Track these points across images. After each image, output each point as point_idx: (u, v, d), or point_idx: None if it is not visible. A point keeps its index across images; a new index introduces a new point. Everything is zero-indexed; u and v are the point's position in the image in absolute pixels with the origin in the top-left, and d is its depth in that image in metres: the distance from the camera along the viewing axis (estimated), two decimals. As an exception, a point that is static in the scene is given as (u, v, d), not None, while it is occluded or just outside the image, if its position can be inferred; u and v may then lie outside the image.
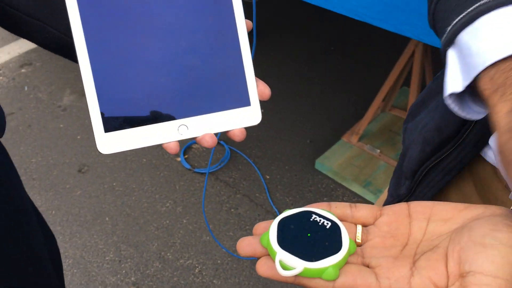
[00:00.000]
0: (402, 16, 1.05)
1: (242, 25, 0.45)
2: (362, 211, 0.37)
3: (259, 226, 0.36)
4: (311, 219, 0.35)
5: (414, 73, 1.84)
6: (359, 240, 0.36)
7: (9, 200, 0.55)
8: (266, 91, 0.45)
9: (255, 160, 2.05)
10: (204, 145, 0.43)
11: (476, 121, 0.54)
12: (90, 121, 0.41)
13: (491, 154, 0.56)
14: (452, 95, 0.42)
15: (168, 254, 1.71)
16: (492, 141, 0.53)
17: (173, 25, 0.44)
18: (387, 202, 0.75)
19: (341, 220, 0.36)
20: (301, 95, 2.40)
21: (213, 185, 1.95)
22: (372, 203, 1.82)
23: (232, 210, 1.86)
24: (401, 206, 0.37)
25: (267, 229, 0.35)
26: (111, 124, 0.42)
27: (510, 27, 0.37)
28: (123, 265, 1.68)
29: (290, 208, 0.37)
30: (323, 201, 1.84)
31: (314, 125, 2.23)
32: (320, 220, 0.35)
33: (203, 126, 0.44)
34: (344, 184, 1.95)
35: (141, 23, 0.43)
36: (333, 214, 0.36)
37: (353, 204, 0.38)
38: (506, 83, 0.36)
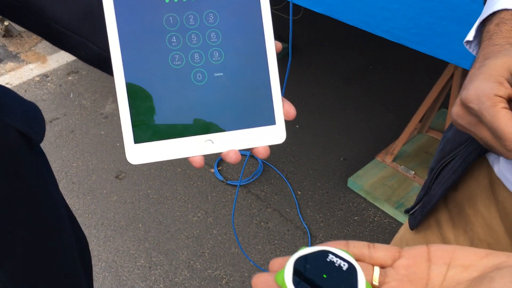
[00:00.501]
0: (438, 39, 1.04)
1: (271, 46, 0.46)
2: (380, 252, 0.36)
3: (274, 263, 0.36)
4: (328, 259, 0.34)
5: (452, 95, 1.82)
6: (376, 283, 0.35)
7: (43, 201, 0.59)
8: (292, 111, 0.46)
9: (287, 175, 2.07)
10: (228, 161, 0.44)
11: None
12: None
13: (497, 160, 0.59)
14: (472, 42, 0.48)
15: (197, 263, 1.74)
16: None
17: (205, 44, 0.46)
18: (413, 205, 0.77)
19: (358, 260, 0.36)
20: (337, 113, 2.40)
21: (245, 198, 1.97)
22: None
23: (262, 223, 1.87)
24: (421, 249, 0.36)
25: (282, 266, 0.34)
26: (141, 136, 0.44)
27: None
28: (152, 272, 1.72)
29: (307, 246, 0.37)
30: (354, 220, 1.84)
31: (348, 143, 2.23)
32: (336, 261, 0.34)
33: (228, 142, 0.45)
34: (376, 204, 1.93)
35: (175, 41, 0.45)
36: (350, 255, 0.35)
37: (371, 244, 0.37)
38: (496, 32, 0.40)
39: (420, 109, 1.92)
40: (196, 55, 0.46)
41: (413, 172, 1.97)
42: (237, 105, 0.46)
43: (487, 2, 0.53)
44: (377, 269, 0.35)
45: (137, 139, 0.45)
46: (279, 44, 0.49)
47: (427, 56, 1.56)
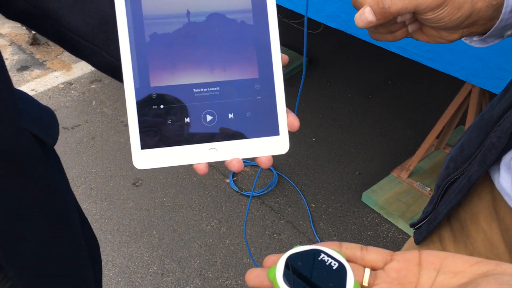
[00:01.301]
0: (450, 57, 1.05)
1: (277, 59, 0.48)
2: (373, 255, 0.37)
3: (268, 259, 0.37)
4: (319, 258, 0.35)
5: (470, 112, 1.81)
6: (365, 284, 0.36)
7: (53, 203, 0.62)
8: (295, 122, 0.47)
9: (302, 188, 2.07)
10: (231, 169, 0.46)
11: (487, 142, 0.57)
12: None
13: (498, 177, 0.59)
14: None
15: (209, 272, 1.75)
16: (502, 163, 0.56)
17: (211, 54, 0.48)
18: (419, 219, 0.78)
19: (350, 261, 0.36)
20: (354, 127, 2.41)
21: (259, 209, 1.98)
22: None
23: (275, 235, 1.88)
24: (413, 254, 0.37)
25: (275, 263, 0.35)
26: (148, 142, 0.46)
27: None
28: (165, 279, 1.74)
29: (302, 244, 0.38)
30: (367, 235, 1.83)
31: (364, 157, 2.23)
32: (327, 260, 0.35)
33: (232, 151, 0.47)
34: (390, 219, 1.92)
35: (182, 52, 0.47)
36: (342, 255, 0.36)
37: (364, 247, 0.37)
38: None
39: (437, 125, 1.91)
40: (203, 66, 0.48)
41: (429, 188, 1.95)
42: (241, 115, 0.48)
43: None
44: (367, 271, 0.36)
45: (144, 145, 0.47)
46: (286, 57, 0.50)
47: (446, 74, 1.56)
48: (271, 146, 0.48)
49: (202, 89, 0.48)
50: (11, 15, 0.55)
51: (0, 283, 0.61)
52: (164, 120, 0.47)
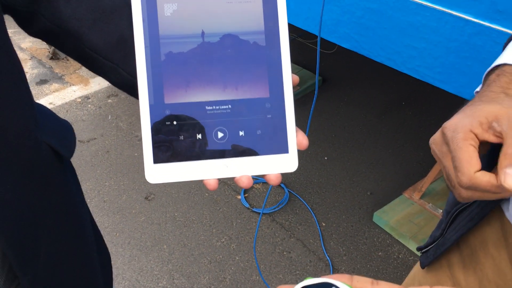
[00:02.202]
0: (462, 79, 1.06)
1: (288, 79, 0.49)
2: None
3: None
4: None
5: (483, 135, 1.80)
6: None
7: (68, 213, 0.63)
8: (304, 141, 0.48)
9: (313, 206, 2.07)
10: (240, 185, 0.47)
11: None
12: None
13: (508, 204, 0.59)
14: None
15: (218, 288, 1.75)
16: None
17: (224, 74, 0.50)
18: (426, 243, 0.77)
19: None
20: (367, 147, 2.41)
21: (269, 226, 1.98)
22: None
23: (285, 253, 1.88)
24: None
25: None
26: (160, 157, 0.48)
27: None
28: (174, 294, 1.74)
29: (312, 277, 0.39)
30: (377, 256, 1.82)
31: (376, 177, 2.22)
32: None
33: (242, 168, 0.48)
34: (401, 240, 1.90)
35: (196, 71, 0.49)
36: None
37: (375, 281, 0.36)
38: (494, 80, 0.46)
39: (450, 147, 1.90)
40: (215, 86, 0.50)
41: (441, 210, 1.94)
42: (252, 133, 0.49)
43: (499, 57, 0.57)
44: None
45: (156, 160, 0.48)
46: (296, 77, 0.52)
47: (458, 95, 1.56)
48: (280, 164, 0.49)
49: (214, 107, 0.49)
50: (33, 33, 0.57)
51: (14, 291, 0.63)
52: (176, 136, 0.48)
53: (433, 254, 0.73)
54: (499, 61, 0.55)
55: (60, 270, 0.64)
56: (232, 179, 0.48)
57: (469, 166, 0.46)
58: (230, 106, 0.49)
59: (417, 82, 2.84)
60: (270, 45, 0.50)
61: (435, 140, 0.51)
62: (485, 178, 0.45)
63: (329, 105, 2.70)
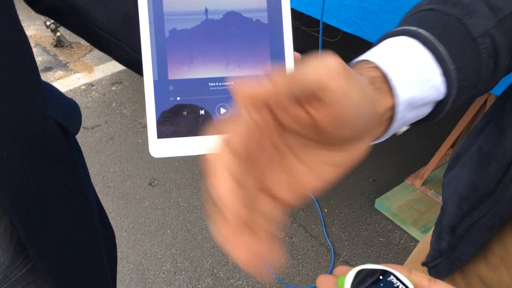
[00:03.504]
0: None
1: (290, 57, 0.50)
2: None
3: (339, 269, 0.37)
4: (388, 279, 0.35)
5: (485, 122, 1.80)
6: None
7: (74, 189, 0.65)
8: None
9: (315, 193, 2.09)
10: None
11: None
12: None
13: None
14: None
15: (220, 272, 1.78)
16: None
17: (227, 51, 0.51)
18: (429, 256, 0.75)
19: None
20: (369, 134, 2.41)
21: (271, 212, 2.00)
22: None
23: (287, 238, 1.90)
24: None
25: (345, 273, 0.36)
26: (164, 131, 0.49)
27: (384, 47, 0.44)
28: (177, 277, 1.77)
29: (370, 262, 0.38)
30: (379, 241, 1.84)
31: (378, 164, 2.23)
32: (396, 283, 0.35)
33: None
34: (402, 226, 1.92)
35: (199, 48, 0.50)
36: (411, 282, 0.36)
37: (433, 279, 0.37)
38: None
39: (451, 134, 1.91)
40: (219, 63, 0.51)
41: (443, 197, 1.95)
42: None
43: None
44: None
45: (160, 135, 0.49)
46: (298, 54, 0.53)
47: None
48: None
49: (217, 83, 0.50)
50: (41, 10, 0.58)
51: (21, 264, 0.65)
52: (180, 112, 0.49)
53: (448, 270, 0.71)
54: (359, 58, 0.50)
55: (66, 243, 0.66)
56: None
57: None
58: (232, 82, 0.50)
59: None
60: (273, 23, 0.51)
61: None
62: None
63: (332, 93, 2.71)
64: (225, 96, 0.50)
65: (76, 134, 0.65)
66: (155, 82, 0.49)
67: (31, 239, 0.59)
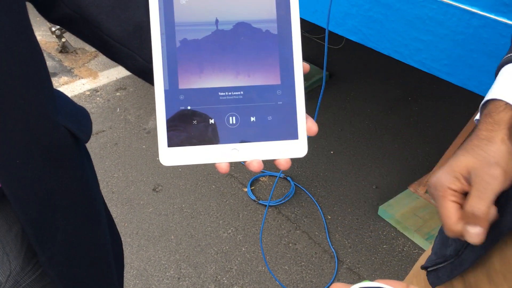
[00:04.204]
0: (468, 71, 1.07)
1: (299, 67, 0.51)
2: None
3: (335, 286, 0.37)
4: None
5: (489, 129, 1.80)
6: None
7: (83, 196, 0.66)
8: (314, 127, 0.50)
9: (318, 199, 2.09)
10: (251, 169, 0.49)
11: None
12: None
13: None
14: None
15: (224, 278, 1.78)
16: None
17: (237, 61, 0.51)
18: (431, 260, 0.75)
19: None
20: (373, 141, 2.42)
21: (275, 218, 2.00)
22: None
23: (290, 245, 1.90)
24: None
25: None
26: (174, 140, 0.49)
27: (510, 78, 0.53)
28: (181, 283, 1.77)
29: (368, 280, 0.37)
30: (382, 249, 1.84)
31: (382, 171, 2.24)
32: None
33: (252, 152, 0.50)
34: (406, 234, 1.92)
35: (210, 58, 0.51)
36: None
37: None
38: (482, 122, 0.56)
39: (455, 141, 1.91)
40: (229, 72, 0.51)
41: (446, 204, 1.95)
42: (263, 119, 0.50)
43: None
44: None
45: (170, 143, 0.50)
46: (307, 65, 0.53)
47: (467, 91, 1.57)
48: (289, 149, 0.50)
49: (227, 93, 0.51)
50: (53, 19, 0.59)
51: (32, 270, 0.65)
52: (190, 121, 0.50)
53: (448, 275, 0.71)
54: (488, 95, 0.59)
55: (75, 249, 0.66)
56: (240, 171, 0.50)
57: (447, 221, 0.53)
58: (242, 92, 0.51)
59: (423, 78, 2.85)
60: (282, 34, 0.52)
61: (429, 187, 0.58)
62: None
63: (336, 99, 2.72)
64: (234, 106, 0.51)
65: (87, 142, 0.66)
66: (165, 92, 0.50)
67: (41, 245, 0.59)
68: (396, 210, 1.97)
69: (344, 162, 2.28)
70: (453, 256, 0.70)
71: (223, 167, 0.49)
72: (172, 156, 0.49)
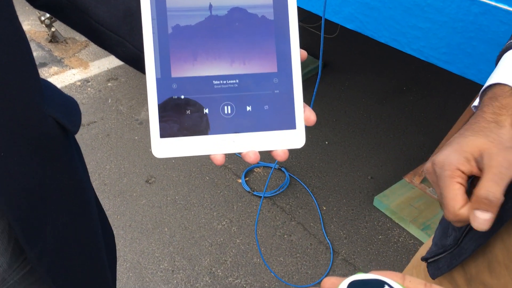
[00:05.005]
0: (467, 60, 1.05)
1: (296, 54, 0.49)
2: None
3: (328, 281, 0.36)
4: None
5: (485, 119, 1.79)
6: None
7: (73, 188, 0.63)
8: (312, 117, 0.48)
9: (313, 190, 2.08)
10: (247, 160, 0.47)
11: None
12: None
13: None
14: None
15: (219, 270, 1.76)
16: None
17: (231, 48, 0.49)
18: (431, 251, 0.74)
19: None
20: (368, 131, 2.40)
21: (270, 210, 1.99)
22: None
23: (285, 236, 1.89)
24: None
25: (335, 286, 0.35)
26: (167, 131, 0.47)
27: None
28: (175, 275, 1.75)
29: (362, 272, 0.36)
30: (378, 239, 1.83)
31: (377, 162, 2.22)
32: None
33: (249, 143, 0.48)
34: (401, 224, 1.91)
35: (203, 45, 0.48)
36: None
37: (428, 284, 0.36)
38: (487, 105, 0.53)
39: (450, 131, 1.90)
40: (223, 59, 0.49)
41: (441, 194, 1.94)
42: (259, 108, 0.48)
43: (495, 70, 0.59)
44: None
45: (163, 134, 0.47)
46: (304, 52, 0.51)
47: (462, 79, 1.55)
48: (287, 140, 0.48)
49: (221, 81, 0.49)
50: (39, 5, 0.56)
51: (20, 266, 0.63)
52: (183, 110, 0.48)
53: (448, 265, 0.70)
54: (491, 80, 0.56)
55: (66, 244, 0.64)
56: (235, 162, 0.48)
57: (453, 204, 0.49)
58: (237, 80, 0.49)
59: (418, 67, 2.83)
60: (279, 19, 0.50)
61: (428, 170, 0.54)
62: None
63: (330, 89, 2.69)
64: (229, 95, 0.49)
65: (76, 133, 0.63)
66: (157, 80, 0.48)
67: (30, 241, 0.57)
68: (391, 201, 1.96)
69: (339, 153, 2.27)
70: (453, 245, 0.68)
71: (219, 159, 0.46)
72: (165, 148, 0.47)
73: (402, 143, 2.33)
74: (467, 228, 0.64)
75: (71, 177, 0.62)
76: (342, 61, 2.95)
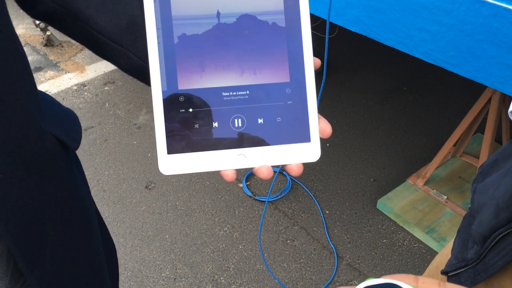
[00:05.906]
0: (477, 63, 1.02)
1: (309, 63, 0.46)
2: None
3: None
4: None
5: (489, 120, 1.77)
6: None
7: (74, 206, 0.60)
8: (327, 129, 0.45)
9: (316, 194, 2.05)
10: (260, 176, 0.44)
11: None
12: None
13: None
14: None
15: (221, 278, 1.73)
16: None
17: (241, 57, 0.46)
18: (451, 264, 0.71)
19: None
20: (369, 133, 2.38)
21: (272, 214, 1.96)
22: (436, 252, 1.74)
23: (288, 241, 1.86)
24: None
25: None
26: (174, 147, 0.44)
27: None
28: (177, 284, 1.72)
29: (373, 277, 0.34)
30: (382, 243, 1.80)
31: (379, 164, 2.20)
32: None
33: (261, 158, 0.45)
34: (405, 227, 1.89)
35: (211, 54, 0.46)
36: None
37: (442, 283, 0.34)
38: None
39: (455, 132, 1.88)
40: (234, 71, 0.46)
41: (446, 197, 1.92)
42: (272, 120, 0.46)
43: None
44: None
45: (170, 150, 0.45)
46: (318, 61, 0.49)
47: (462, 79, 1.53)
48: (301, 153, 0.46)
49: (231, 93, 0.46)
50: (37, 15, 0.53)
51: (18, 290, 0.60)
52: (191, 124, 0.45)
53: (471, 281, 0.67)
54: None
55: (67, 265, 0.61)
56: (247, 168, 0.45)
57: None
58: (248, 91, 0.46)
59: (417, 67, 2.81)
60: (291, 26, 0.47)
61: None
62: None
63: (330, 90, 2.67)
64: (240, 107, 0.46)
65: (76, 149, 0.60)
66: (163, 93, 0.45)
67: (29, 265, 0.54)
68: (395, 203, 1.93)
69: (340, 155, 2.24)
70: (475, 260, 0.66)
71: (229, 175, 0.44)
72: (173, 164, 0.44)
73: (404, 144, 2.31)
74: (492, 243, 0.61)
75: (71, 195, 0.59)
76: (341, 62, 2.92)
